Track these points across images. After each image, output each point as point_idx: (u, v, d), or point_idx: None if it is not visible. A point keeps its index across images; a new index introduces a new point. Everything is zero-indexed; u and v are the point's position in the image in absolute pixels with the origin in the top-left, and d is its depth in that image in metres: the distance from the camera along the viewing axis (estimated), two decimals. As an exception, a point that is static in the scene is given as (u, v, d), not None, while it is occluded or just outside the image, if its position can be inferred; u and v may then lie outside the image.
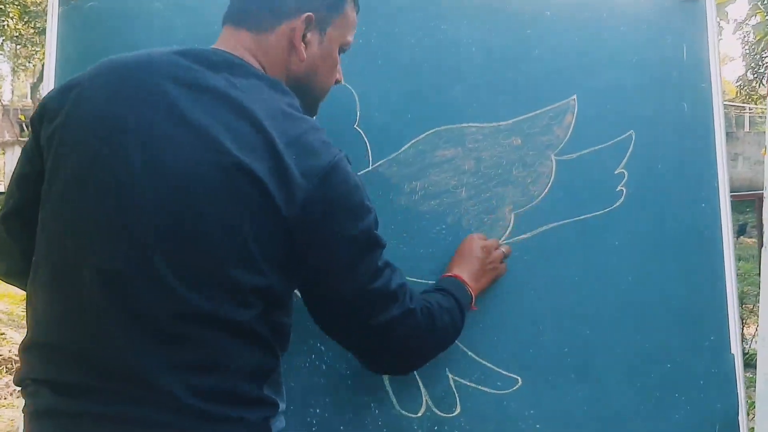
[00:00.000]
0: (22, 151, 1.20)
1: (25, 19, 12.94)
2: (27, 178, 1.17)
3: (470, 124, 1.53)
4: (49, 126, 1.11)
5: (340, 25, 1.24)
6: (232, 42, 1.18)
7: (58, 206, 1.08)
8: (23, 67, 19.63)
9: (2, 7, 12.49)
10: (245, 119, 1.05)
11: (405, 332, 1.18)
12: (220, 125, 1.04)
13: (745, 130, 16.95)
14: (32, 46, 14.70)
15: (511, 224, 1.52)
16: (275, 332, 1.12)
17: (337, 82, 1.31)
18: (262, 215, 1.03)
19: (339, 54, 1.28)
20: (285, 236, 1.05)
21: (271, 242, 1.04)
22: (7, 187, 1.24)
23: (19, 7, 12.72)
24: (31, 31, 12.85)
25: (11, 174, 1.22)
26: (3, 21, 12.63)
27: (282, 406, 1.16)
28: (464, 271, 1.42)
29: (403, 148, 1.51)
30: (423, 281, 1.47)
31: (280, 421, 1.15)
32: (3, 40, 12.91)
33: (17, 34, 12.91)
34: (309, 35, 1.19)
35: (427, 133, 1.52)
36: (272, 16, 1.17)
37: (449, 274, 1.42)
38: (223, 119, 1.05)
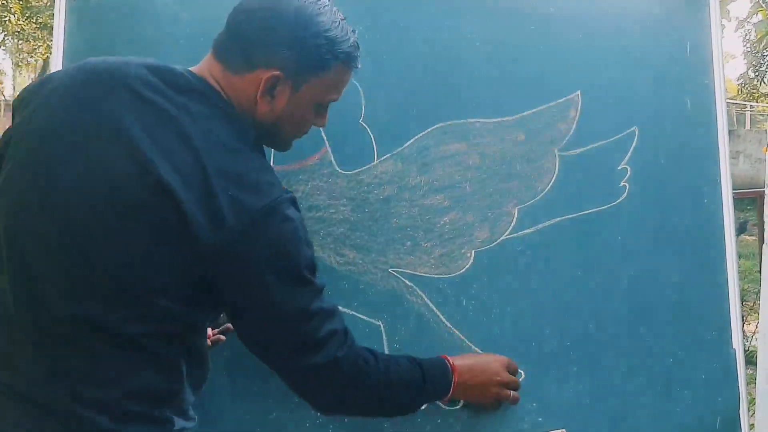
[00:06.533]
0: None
1: (27, 15, 12.95)
2: None
3: (475, 120, 1.53)
4: (18, 117, 1.14)
5: (321, 84, 1.20)
6: (207, 69, 1.18)
7: None
8: (25, 63, 19.62)
9: (4, 2, 12.49)
10: (184, 144, 1.07)
11: (324, 381, 1.18)
12: (156, 145, 1.06)
13: (746, 128, 16.93)
14: (34, 41, 14.69)
15: (515, 219, 1.52)
16: (185, 354, 1.13)
17: (316, 126, 1.29)
18: (175, 237, 1.04)
19: (318, 109, 1.25)
20: (199, 263, 1.06)
21: (181, 265, 1.06)
22: None
23: (20, 3, 12.72)
24: (33, 26, 12.84)
25: None
26: (5, 17, 12.64)
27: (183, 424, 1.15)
28: (464, 368, 1.37)
29: (407, 143, 1.52)
30: (427, 275, 1.48)
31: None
32: (5, 35, 12.92)
33: (19, 29, 12.90)
34: (279, 88, 1.17)
35: (432, 128, 1.52)
36: (244, 62, 1.16)
37: (449, 357, 1.37)
38: (163, 140, 1.06)
